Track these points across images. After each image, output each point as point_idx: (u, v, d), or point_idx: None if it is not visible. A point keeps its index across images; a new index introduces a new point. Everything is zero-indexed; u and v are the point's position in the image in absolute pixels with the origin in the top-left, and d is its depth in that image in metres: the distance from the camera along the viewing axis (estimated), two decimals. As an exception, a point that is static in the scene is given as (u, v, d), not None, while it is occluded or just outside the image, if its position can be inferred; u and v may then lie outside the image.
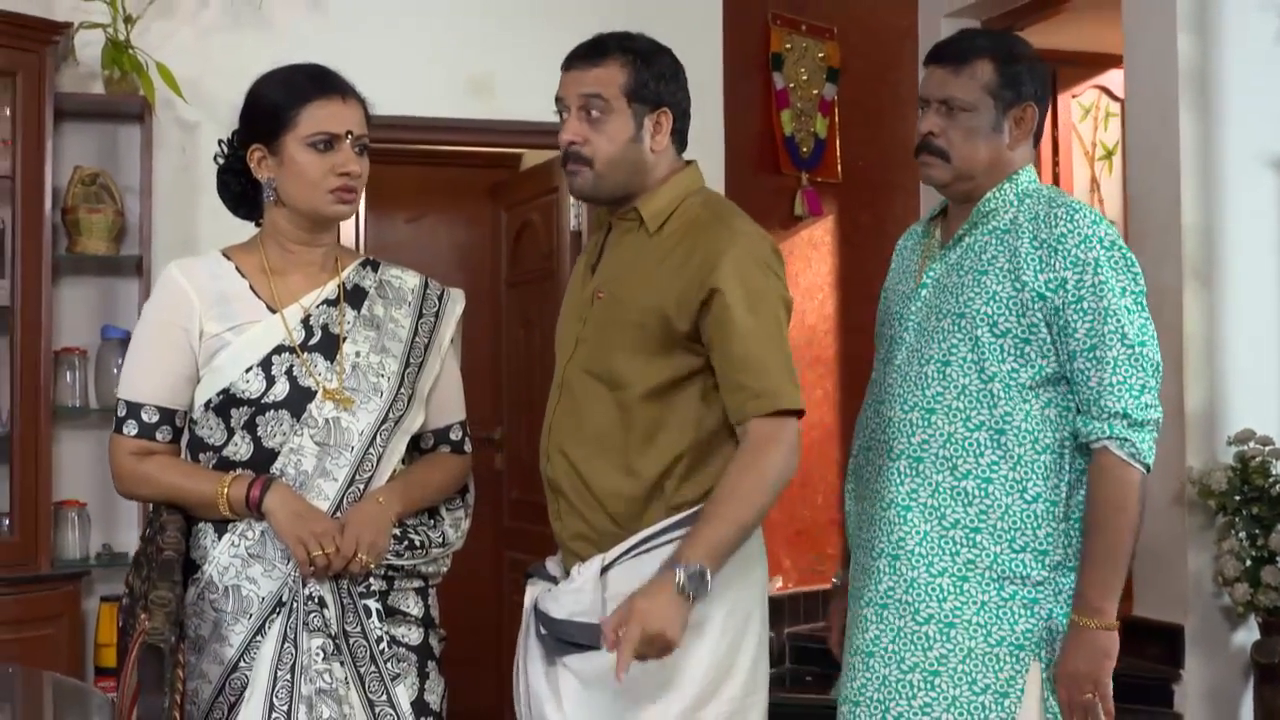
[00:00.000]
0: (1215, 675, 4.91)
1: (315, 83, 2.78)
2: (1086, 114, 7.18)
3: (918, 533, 2.80)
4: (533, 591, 2.87)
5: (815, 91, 6.26)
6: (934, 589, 2.77)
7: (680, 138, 2.85)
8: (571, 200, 5.66)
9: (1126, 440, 2.69)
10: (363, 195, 2.85)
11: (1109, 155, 7.11)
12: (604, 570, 2.71)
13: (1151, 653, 4.99)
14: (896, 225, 5.37)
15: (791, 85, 6.17)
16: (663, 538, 2.69)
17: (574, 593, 2.72)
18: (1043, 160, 7.06)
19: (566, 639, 2.70)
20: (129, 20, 4.71)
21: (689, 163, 2.89)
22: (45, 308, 4.47)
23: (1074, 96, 7.15)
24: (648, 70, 2.76)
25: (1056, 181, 7.04)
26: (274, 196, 2.80)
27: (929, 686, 2.75)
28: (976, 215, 2.87)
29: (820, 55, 6.29)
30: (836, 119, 6.33)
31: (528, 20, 5.34)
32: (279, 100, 2.76)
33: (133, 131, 4.87)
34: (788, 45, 6.17)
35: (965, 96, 2.84)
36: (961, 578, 2.76)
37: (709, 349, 2.68)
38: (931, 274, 2.91)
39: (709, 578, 2.51)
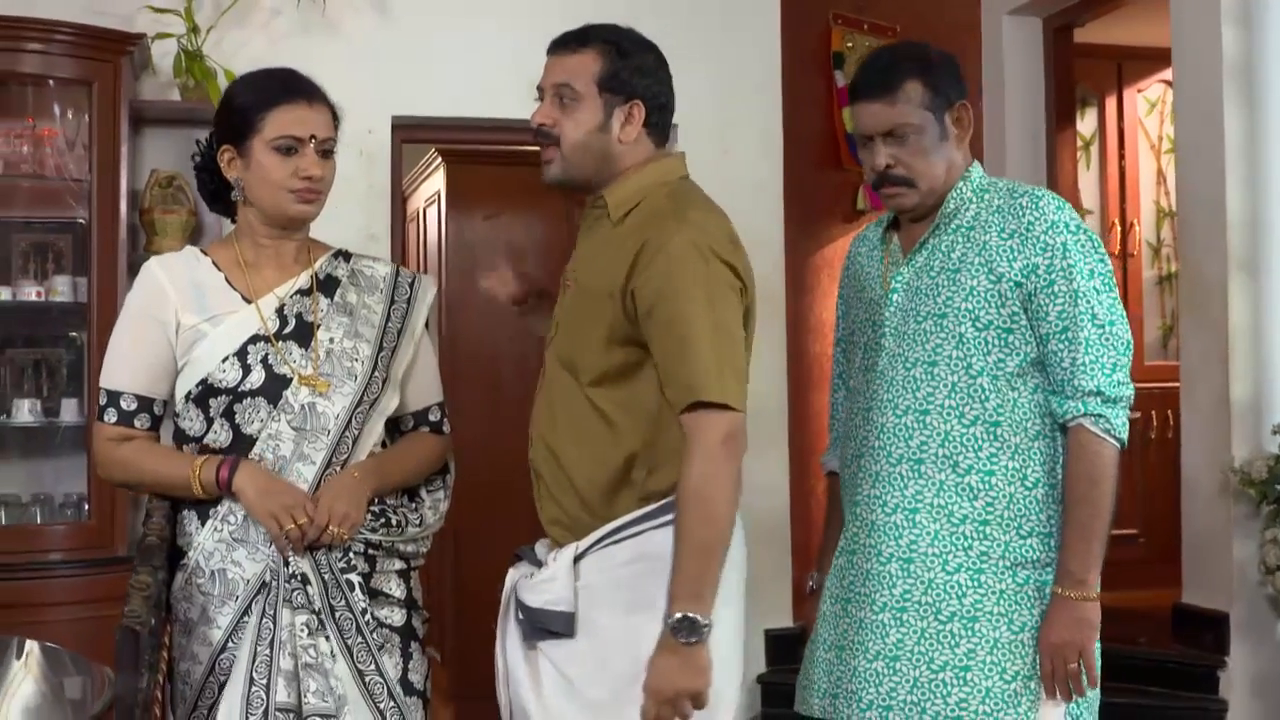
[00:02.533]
0: (1261, 662, 4.92)
1: (282, 87, 2.87)
2: (1152, 108, 7.16)
3: (928, 534, 2.82)
4: (513, 575, 2.90)
5: (878, 88, 6.31)
6: (953, 586, 2.80)
7: (659, 131, 2.86)
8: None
9: (1101, 416, 2.75)
10: (327, 195, 2.92)
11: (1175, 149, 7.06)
12: (577, 559, 2.74)
13: (1198, 640, 5.05)
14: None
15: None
16: (633, 528, 2.72)
17: (547, 581, 2.74)
18: (1109, 154, 7.06)
19: (541, 626, 2.74)
20: (196, 30, 4.93)
21: (673, 154, 2.90)
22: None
23: (1139, 91, 7.14)
24: (623, 62, 2.79)
25: (1123, 176, 7.05)
26: (242, 196, 2.90)
27: (961, 682, 2.77)
28: (940, 218, 2.90)
29: (883, 53, 6.35)
30: (899, 115, 6.37)
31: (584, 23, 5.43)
32: (247, 104, 2.85)
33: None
34: (849, 44, 6.24)
35: (909, 120, 2.86)
36: (977, 570, 2.80)
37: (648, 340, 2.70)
38: (899, 280, 2.93)
39: (700, 621, 2.54)
